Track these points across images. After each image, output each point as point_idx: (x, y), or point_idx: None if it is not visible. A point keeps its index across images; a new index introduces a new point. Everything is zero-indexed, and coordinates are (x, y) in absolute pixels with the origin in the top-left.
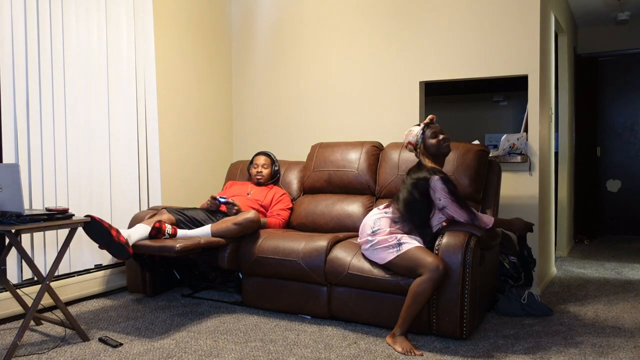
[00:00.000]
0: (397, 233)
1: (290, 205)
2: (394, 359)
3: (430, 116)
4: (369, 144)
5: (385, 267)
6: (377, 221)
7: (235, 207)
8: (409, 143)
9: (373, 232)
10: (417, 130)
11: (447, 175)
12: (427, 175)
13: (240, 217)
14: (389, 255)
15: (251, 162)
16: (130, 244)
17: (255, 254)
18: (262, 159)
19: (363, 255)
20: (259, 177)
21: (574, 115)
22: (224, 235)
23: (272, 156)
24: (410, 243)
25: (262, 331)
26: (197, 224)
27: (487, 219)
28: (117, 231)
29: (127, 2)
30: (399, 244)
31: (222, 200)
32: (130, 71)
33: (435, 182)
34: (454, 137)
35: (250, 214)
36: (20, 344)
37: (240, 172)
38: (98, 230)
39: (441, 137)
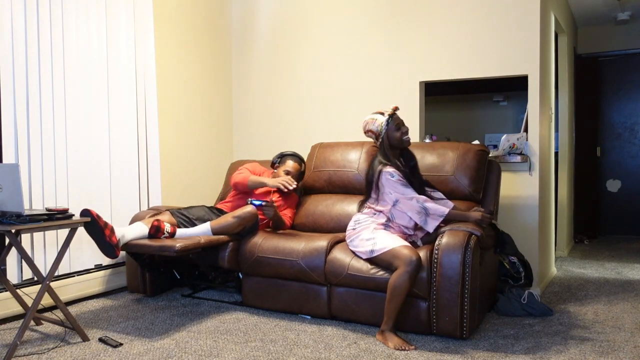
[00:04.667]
0: (375, 228)
1: (294, 210)
2: (394, 359)
3: (393, 106)
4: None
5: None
6: (360, 219)
7: (273, 208)
8: (370, 131)
9: (354, 228)
10: (382, 119)
11: (398, 168)
12: (379, 167)
13: (239, 212)
14: (366, 254)
15: (280, 158)
16: (123, 242)
17: (255, 254)
18: (292, 164)
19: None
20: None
21: (574, 115)
22: (224, 231)
23: (304, 163)
24: (384, 240)
25: (262, 331)
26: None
27: (441, 211)
28: (112, 231)
29: (127, 2)
30: (374, 244)
31: (256, 203)
32: (130, 71)
33: (384, 174)
34: (454, 137)
35: (249, 208)
36: (20, 344)
37: None
38: (93, 225)
39: (404, 129)
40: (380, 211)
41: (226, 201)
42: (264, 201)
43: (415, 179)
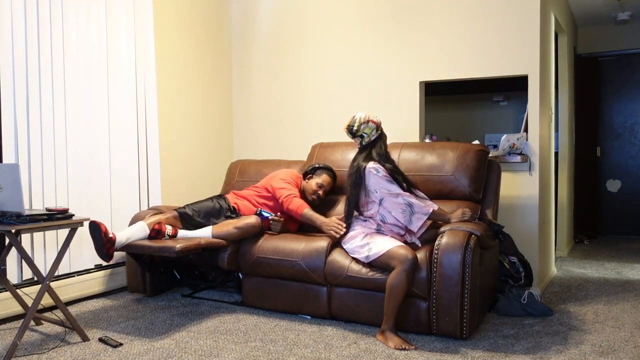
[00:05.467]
0: (367, 233)
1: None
2: (394, 359)
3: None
4: None
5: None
6: (351, 224)
7: (281, 223)
8: (372, 121)
9: (346, 233)
10: (377, 116)
11: (386, 163)
12: (364, 164)
13: (241, 222)
14: (363, 259)
15: (314, 170)
16: (122, 245)
17: (256, 254)
18: (328, 180)
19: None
20: (315, 197)
21: (574, 115)
22: (225, 239)
23: (336, 177)
24: (379, 244)
25: (262, 331)
26: (207, 221)
27: (426, 209)
28: (112, 244)
29: (127, 2)
30: (369, 250)
31: (266, 215)
32: (130, 71)
33: (369, 171)
34: (454, 137)
35: (252, 219)
36: (20, 344)
37: (240, 171)
38: (96, 235)
39: None
40: (370, 217)
41: (242, 196)
42: (272, 214)
43: (401, 177)
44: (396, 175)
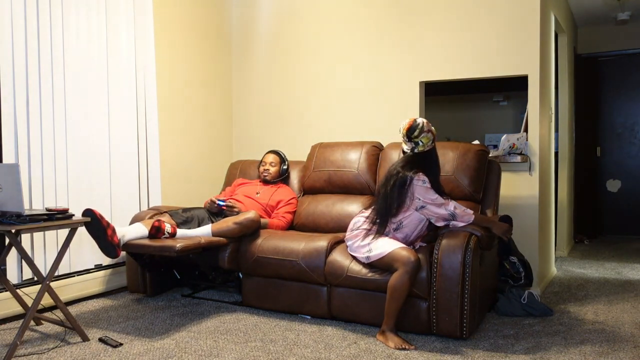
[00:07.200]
0: (371, 235)
1: (295, 209)
2: (394, 358)
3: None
4: (369, 144)
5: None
6: (357, 222)
7: (235, 209)
8: (431, 132)
9: (352, 231)
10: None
11: (430, 175)
12: (411, 173)
13: (240, 217)
14: (363, 260)
15: (261, 160)
16: (123, 242)
17: (255, 254)
18: (270, 157)
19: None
20: (266, 174)
21: (574, 115)
22: (225, 235)
23: (282, 155)
24: (380, 246)
25: (262, 331)
26: (199, 225)
27: (468, 217)
28: (113, 230)
29: (127, 2)
30: (369, 251)
31: (221, 203)
32: (130, 72)
33: (417, 181)
34: (454, 137)
35: (251, 214)
36: (20, 344)
37: (240, 171)
38: (95, 225)
39: None
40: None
41: (234, 199)
42: (225, 202)
43: (442, 189)
44: (440, 187)
